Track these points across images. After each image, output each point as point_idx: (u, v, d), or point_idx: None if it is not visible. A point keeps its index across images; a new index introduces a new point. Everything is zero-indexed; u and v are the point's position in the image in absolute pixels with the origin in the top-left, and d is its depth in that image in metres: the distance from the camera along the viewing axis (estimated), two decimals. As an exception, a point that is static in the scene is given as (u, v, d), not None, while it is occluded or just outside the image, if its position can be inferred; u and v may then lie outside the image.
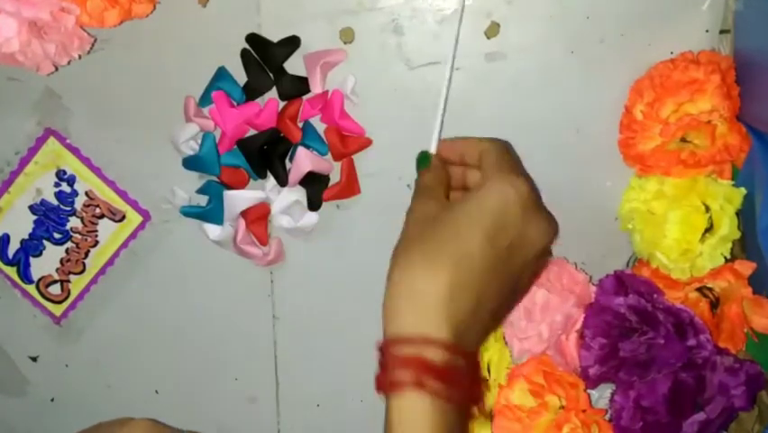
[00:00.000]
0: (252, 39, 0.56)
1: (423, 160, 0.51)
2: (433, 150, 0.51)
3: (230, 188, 0.59)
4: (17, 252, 0.63)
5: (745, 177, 0.54)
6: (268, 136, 0.57)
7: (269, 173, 0.59)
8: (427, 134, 0.57)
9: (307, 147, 0.57)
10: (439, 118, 0.51)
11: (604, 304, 0.55)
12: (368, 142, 0.58)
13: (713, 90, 0.52)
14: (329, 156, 0.58)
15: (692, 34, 0.55)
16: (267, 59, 0.56)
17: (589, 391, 0.57)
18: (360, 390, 0.65)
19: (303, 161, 0.57)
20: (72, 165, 0.61)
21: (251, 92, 0.57)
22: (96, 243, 0.63)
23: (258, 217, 0.59)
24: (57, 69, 0.55)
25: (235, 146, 0.58)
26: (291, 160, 0.58)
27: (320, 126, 0.58)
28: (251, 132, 0.58)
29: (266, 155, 0.58)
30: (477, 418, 0.46)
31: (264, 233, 0.60)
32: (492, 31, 0.56)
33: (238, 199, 0.58)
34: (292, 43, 0.56)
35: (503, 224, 0.44)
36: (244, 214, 0.59)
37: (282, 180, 0.58)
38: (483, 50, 0.56)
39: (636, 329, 0.54)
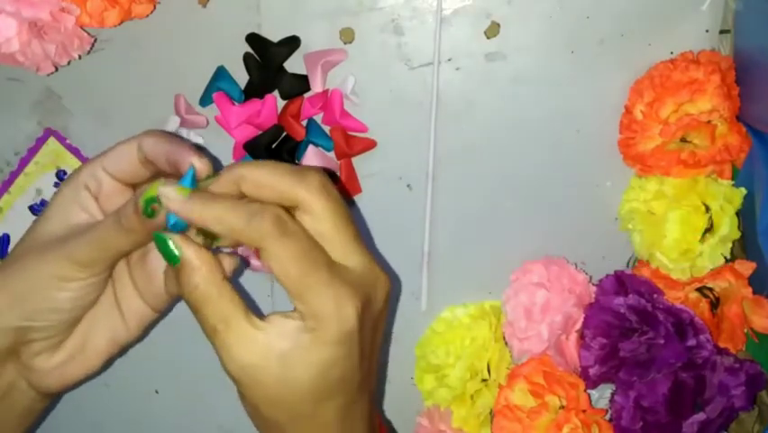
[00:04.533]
0: (252, 39, 0.56)
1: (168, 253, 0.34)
2: None
3: None
4: (17, 252, 0.63)
5: (744, 177, 0.55)
6: (272, 134, 0.57)
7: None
8: (427, 135, 0.57)
9: (314, 144, 0.57)
10: None
11: (604, 304, 0.55)
12: (372, 144, 0.58)
13: (713, 90, 0.52)
14: (332, 154, 0.58)
15: (692, 34, 0.55)
16: (267, 59, 0.56)
17: (589, 391, 0.57)
18: (360, 390, 0.64)
19: (312, 160, 0.57)
20: (72, 165, 0.61)
21: (253, 92, 0.57)
22: (96, 243, 0.62)
23: None
24: (57, 69, 0.55)
25: (246, 154, 0.58)
26: (299, 158, 0.58)
27: (323, 128, 0.58)
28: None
29: (274, 153, 0.58)
30: None
31: None
32: (492, 31, 0.56)
33: None
34: (292, 43, 0.56)
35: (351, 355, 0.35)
36: None
37: None
38: (483, 50, 0.56)
39: (636, 329, 0.54)
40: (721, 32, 0.55)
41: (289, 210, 0.35)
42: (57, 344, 0.39)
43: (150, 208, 0.34)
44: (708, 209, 0.54)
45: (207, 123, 0.59)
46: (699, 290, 0.57)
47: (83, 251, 0.36)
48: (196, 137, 0.59)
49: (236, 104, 0.57)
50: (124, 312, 0.41)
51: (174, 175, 0.36)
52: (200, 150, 0.37)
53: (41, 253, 0.37)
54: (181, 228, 0.34)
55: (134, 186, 0.40)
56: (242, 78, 0.57)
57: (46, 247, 0.37)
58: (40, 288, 0.37)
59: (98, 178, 0.38)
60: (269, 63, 0.56)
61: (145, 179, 0.39)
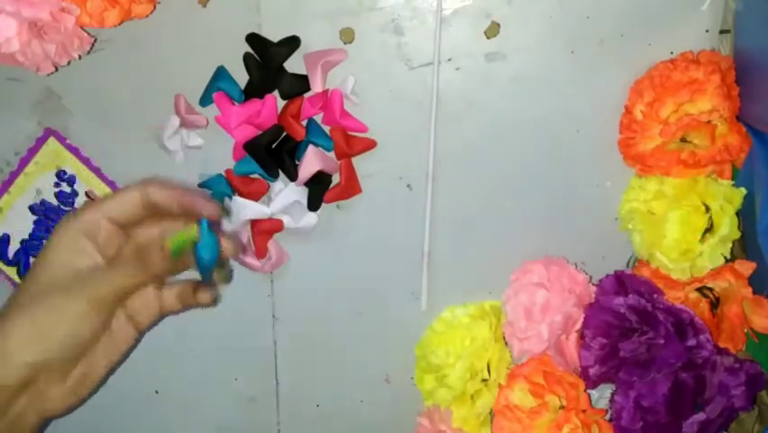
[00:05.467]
0: (252, 39, 0.56)
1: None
2: None
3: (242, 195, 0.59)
4: (17, 252, 0.63)
5: (744, 177, 0.55)
6: (272, 134, 0.57)
7: (281, 173, 0.59)
8: (427, 135, 0.58)
9: (314, 144, 0.57)
10: None
11: (604, 304, 0.55)
12: (372, 144, 0.58)
13: (713, 90, 0.52)
14: (332, 154, 0.58)
15: (692, 34, 0.55)
16: (267, 59, 0.56)
17: (589, 391, 0.57)
18: (360, 390, 0.64)
19: (312, 160, 0.57)
20: (72, 165, 0.61)
21: (253, 92, 0.57)
22: (96, 243, 0.62)
23: (267, 231, 0.59)
24: (57, 69, 0.55)
25: (246, 154, 0.58)
26: (299, 158, 0.58)
27: (323, 128, 0.58)
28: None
29: (274, 153, 0.58)
30: None
31: (265, 247, 0.60)
32: (492, 31, 0.56)
33: (245, 208, 0.58)
34: (292, 43, 0.56)
35: None
36: (255, 223, 0.59)
37: (292, 175, 0.58)
38: (483, 50, 0.56)
39: (636, 329, 0.54)
40: (721, 32, 0.55)
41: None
42: (69, 372, 0.43)
43: (181, 251, 0.41)
44: (708, 209, 0.54)
45: (207, 123, 0.59)
46: (699, 290, 0.57)
47: (106, 293, 0.42)
48: (195, 137, 0.59)
49: (236, 104, 0.57)
50: (115, 336, 0.45)
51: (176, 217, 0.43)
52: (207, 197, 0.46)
53: (66, 293, 0.42)
54: (210, 267, 0.42)
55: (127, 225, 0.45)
56: (242, 78, 0.57)
57: (69, 288, 0.42)
58: (64, 324, 0.41)
59: (98, 225, 0.43)
60: (269, 63, 0.56)
61: (141, 219, 0.44)
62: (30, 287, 0.43)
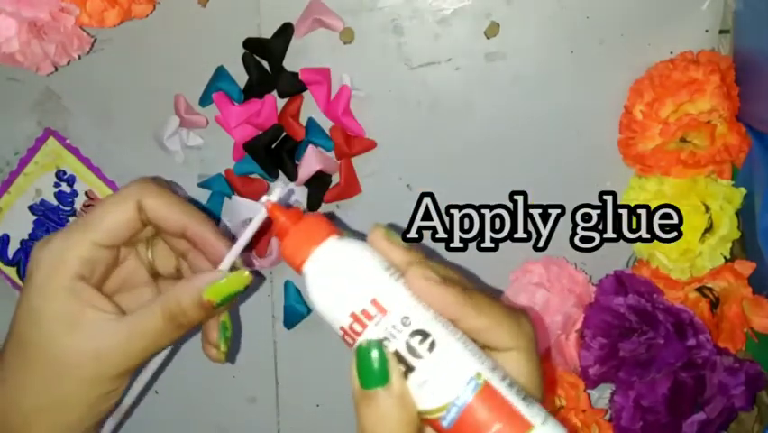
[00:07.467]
0: (249, 43, 0.56)
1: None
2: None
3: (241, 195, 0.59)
4: (17, 252, 0.63)
5: (744, 177, 0.55)
6: (272, 134, 0.57)
7: (280, 173, 0.59)
8: (427, 135, 0.57)
9: (313, 144, 0.57)
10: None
11: (604, 304, 0.55)
12: (372, 144, 0.58)
13: (713, 90, 0.52)
14: (332, 154, 0.58)
15: (692, 34, 0.55)
16: (268, 56, 0.56)
17: (589, 391, 0.57)
18: (360, 390, 0.64)
19: (312, 160, 0.57)
20: (72, 165, 0.61)
21: (253, 92, 0.57)
22: (96, 243, 0.62)
23: (267, 229, 0.59)
24: (57, 69, 0.55)
25: (246, 154, 0.58)
26: (298, 158, 0.58)
27: (324, 123, 0.58)
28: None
29: (274, 153, 0.58)
30: None
31: (265, 245, 0.60)
32: (492, 31, 0.56)
33: (245, 207, 0.58)
34: (286, 30, 0.56)
35: None
36: None
37: (291, 175, 0.58)
38: (483, 50, 0.56)
39: (636, 329, 0.54)
40: (721, 31, 0.55)
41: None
42: None
43: (227, 301, 0.35)
44: (707, 209, 0.54)
45: (207, 123, 0.59)
46: (698, 289, 0.57)
47: (132, 367, 0.35)
48: (195, 137, 0.59)
49: (236, 104, 0.57)
50: None
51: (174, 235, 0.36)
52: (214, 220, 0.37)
53: (81, 377, 0.34)
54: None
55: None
56: (241, 78, 0.57)
57: (82, 367, 0.34)
58: (85, 403, 0.35)
59: (91, 259, 0.34)
60: (271, 59, 0.56)
61: (137, 235, 0.36)
62: (19, 349, 0.34)
